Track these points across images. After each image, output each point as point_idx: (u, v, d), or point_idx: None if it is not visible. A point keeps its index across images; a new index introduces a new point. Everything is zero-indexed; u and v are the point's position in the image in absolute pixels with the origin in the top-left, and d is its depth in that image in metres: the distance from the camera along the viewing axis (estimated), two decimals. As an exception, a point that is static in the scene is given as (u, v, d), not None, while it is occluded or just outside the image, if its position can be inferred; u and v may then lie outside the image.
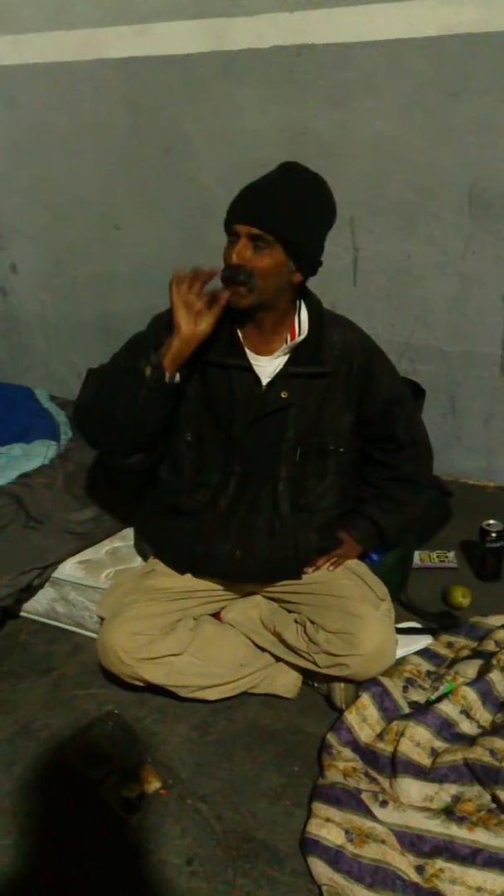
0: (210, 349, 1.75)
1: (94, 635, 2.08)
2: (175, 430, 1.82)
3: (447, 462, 2.81)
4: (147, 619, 1.86)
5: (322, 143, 2.53)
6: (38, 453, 2.58)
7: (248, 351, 1.77)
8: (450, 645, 2.06)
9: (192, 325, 1.63)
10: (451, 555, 2.43)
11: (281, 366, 1.77)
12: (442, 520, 2.57)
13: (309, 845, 1.55)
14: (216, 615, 2.04)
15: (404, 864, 1.49)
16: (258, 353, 1.78)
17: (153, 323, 1.84)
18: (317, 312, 1.79)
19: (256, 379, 1.77)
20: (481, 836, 1.51)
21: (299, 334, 1.76)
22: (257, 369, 1.77)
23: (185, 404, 1.80)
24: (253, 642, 1.98)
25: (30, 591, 2.20)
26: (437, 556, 2.43)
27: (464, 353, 2.63)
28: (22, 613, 2.30)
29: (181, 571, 1.94)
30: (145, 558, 2.18)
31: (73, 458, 2.58)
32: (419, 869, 1.49)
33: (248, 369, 1.76)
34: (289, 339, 1.76)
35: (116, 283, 3.12)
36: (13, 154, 3.08)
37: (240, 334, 1.76)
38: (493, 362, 2.61)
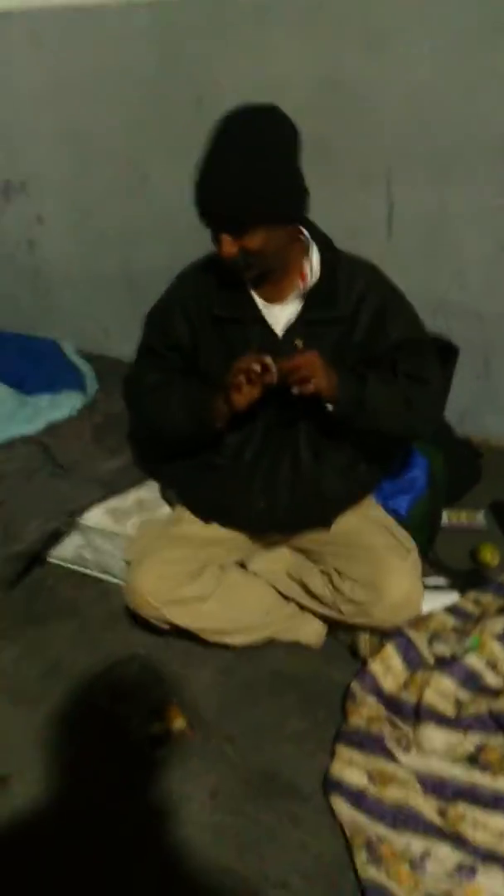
0: (224, 305, 1.74)
1: (120, 582, 2.10)
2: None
3: (479, 424, 2.78)
4: (174, 563, 1.87)
5: (358, 90, 2.46)
6: (66, 404, 2.60)
7: (260, 301, 1.74)
8: (477, 602, 2.05)
9: (243, 403, 1.67)
10: (480, 515, 2.42)
11: (295, 313, 1.74)
12: (472, 481, 2.55)
13: (332, 786, 1.57)
14: (241, 565, 2.05)
15: (426, 806, 1.50)
16: (271, 301, 1.74)
17: (171, 294, 1.85)
18: (329, 254, 1.73)
19: (271, 329, 1.75)
20: (505, 784, 1.52)
21: (311, 278, 1.72)
22: (271, 319, 1.74)
23: (209, 365, 1.80)
24: (278, 591, 1.99)
25: (57, 536, 2.22)
26: (466, 517, 2.42)
27: (500, 314, 2.59)
28: (50, 560, 2.32)
29: (207, 521, 1.95)
30: (172, 507, 2.19)
31: (101, 410, 2.59)
32: (441, 812, 1.50)
33: (262, 320, 1.74)
34: (300, 284, 1.73)
35: (142, 237, 3.09)
36: (38, 100, 3.02)
37: (250, 286, 1.73)
38: (530, 323, 2.57)
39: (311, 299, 1.72)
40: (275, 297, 1.74)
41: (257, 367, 1.59)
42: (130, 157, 2.97)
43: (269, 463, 1.83)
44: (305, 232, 1.72)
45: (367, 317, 1.75)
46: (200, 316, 1.79)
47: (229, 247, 1.58)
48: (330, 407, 1.70)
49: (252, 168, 1.51)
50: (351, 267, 1.76)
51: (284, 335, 1.74)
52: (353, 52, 2.43)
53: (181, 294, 1.82)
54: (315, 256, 1.72)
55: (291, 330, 1.73)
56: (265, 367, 1.59)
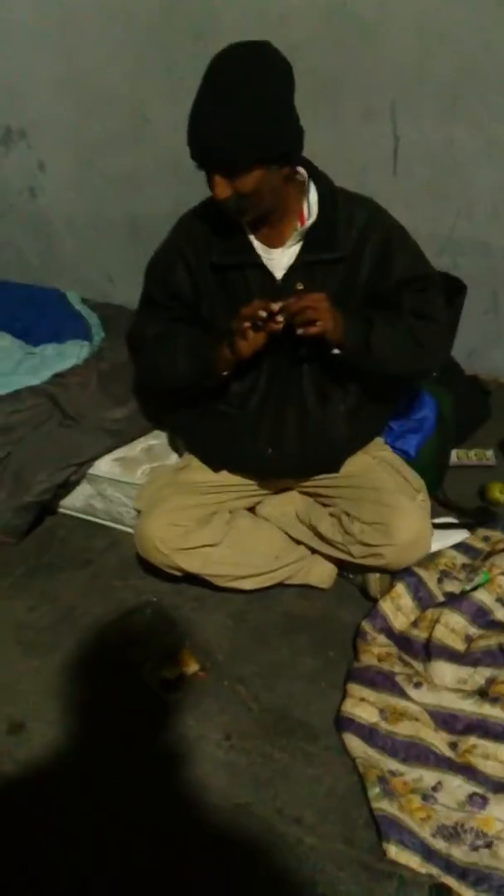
0: (222, 252, 1.69)
1: (130, 530, 2.11)
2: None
3: (487, 361, 2.75)
4: (183, 510, 1.87)
5: (362, 20, 2.37)
6: (72, 353, 2.58)
7: (259, 245, 1.70)
8: (486, 539, 2.05)
9: (248, 351, 1.65)
10: (490, 453, 2.40)
11: (295, 256, 1.69)
12: (481, 419, 2.53)
13: (344, 723, 1.59)
14: (251, 510, 2.05)
15: (438, 740, 1.52)
16: (270, 245, 1.70)
17: (170, 242, 1.81)
18: (328, 192, 1.67)
19: (271, 274, 1.70)
20: (515, 716, 1.53)
21: (308, 218, 1.67)
22: (270, 263, 1.70)
23: (211, 313, 1.77)
24: (288, 535, 1.99)
25: (67, 486, 2.23)
26: (475, 455, 2.40)
27: (507, 247, 2.53)
28: (60, 510, 2.33)
29: (215, 469, 1.94)
30: (180, 454, 2.18)
31: (107, 358, 2.57)
32: (452, 745, 1.52)
33: (262, 265, 1.69)
34: (299, 225, 1.68)
35: (145, 180, 3.03)
36: (38, 43, 2.95)
37: (249, 230, 1.69)
38: (539, 256, 2.51)
39: (311, 240, 1.67)
40: (274, 241, 1.70)
41: (263, 314, 1.56)
42: (132, 100, 2.89)
43: (275, 410, 1.81)
44: (302, 171, 1.66)
45: (370, 254, 1.70)
46: (200, 263, 1.75)
47: (223, 189, 1.52)
48: (336, 350, 1.67)
49: (244, 108, 1.44)
50: (351, 204, 1.70)
51: (284, 279, 1.69)
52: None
53: (180, 241, 1.78)
54: (313, 196, 1.67)
55: (291, 273, 1.69)
56: (271, 314, 1.56)
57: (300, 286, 1.67)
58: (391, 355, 1.70)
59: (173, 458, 2.23)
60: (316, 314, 1.57)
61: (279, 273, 1.70)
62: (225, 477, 1.95)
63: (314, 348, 1.69)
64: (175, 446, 2.26)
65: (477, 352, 2.72)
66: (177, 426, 2.13)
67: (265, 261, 1.69)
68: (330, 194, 1.67)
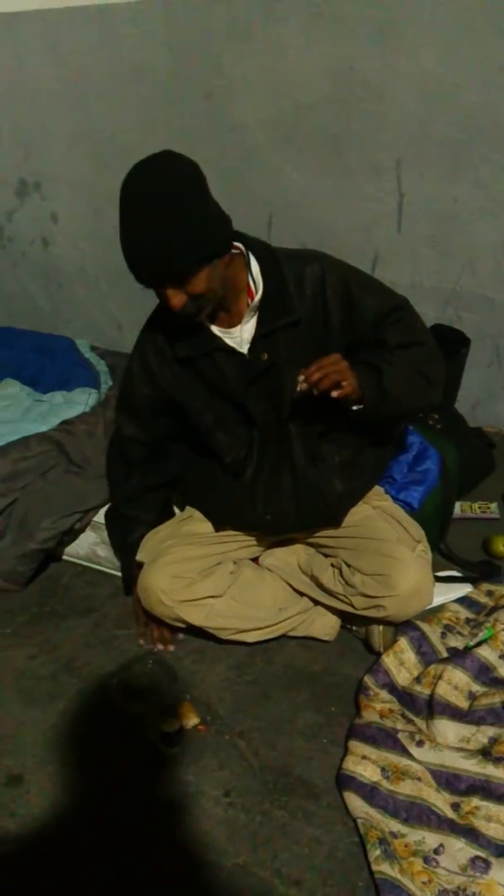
0: (185, 346, 1.73)
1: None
2: (197, 424, 1.83)
3: (491, 413, 2.76)
4: (186, 562, 1.88)
5: (368, 83, 2.45)
6: (80, 401, 2.61)
7: (218, 330, 1.72)
8: (490, 593, 2.04)
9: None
10: (494, 506, 2.40)
11: (254, 328, 1.71)
12: (485, 471, 2.53)
13: (345, 781, 1.57)
14: (254, 560, 2.05)
15: (440, 800, 1.50)
16: (230, 326, 1.72)
17: (130, 369, 1.89)
18: (267, 260, 1.69)
19: (236, 351, 1.73)
20: (518, 777, 1.51)
21: (256, 291, 1.68)
22: (233, 342, 1.72)
23: (191, 402, 1.80)
24: (291, 586, 1.99)
25: (72, 534, 2.24)
26: (479, 507, 2.40)
27: (511, 301, 2.57)
28: (64, 557, 2.34)
29: (217, 529, 1.96)
30: (182, 506, 2.19)
31: (114, 407, 2.59)
32: (455, 806, 1.50)
33: (226, 347, 1.72)
34: (249, 301, 1.69)
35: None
36: (54, 101, 3.06)
37: (207, 321, 1.71)
38: (541, 310, 2.54)
39: (265, 310, 1.69)
40: (233, 321, 1.72)
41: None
42: (144, 154, 2.96)
43: (269, 477, 1.83)
44: (239, 245, 1.67)
45: (334, 305, 1.70)
46: (164, 365, 1.79)
47: (178, 298, 1.56)
48: (356, 406, 1.66)
49: (169, 224, 1.47)
50: (297, 264, 1.70)
51: (250, 351, 1.72)
52: (362, 44, 2.41)
53: (145, 348, 1.82)
54: (255, 268, 1.68)
55: (255, 345, 1.71)
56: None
57: (265, 356, 1.70)
58: (404, 392, 1.68)
59: (177, 508, 2.24)
60: (340, 376, 1.56)
61: (244, 347, 1.72)
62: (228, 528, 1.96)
63: (303, 411, 1.71)
64: (178, 500, 2.27)
65: (481, 404, 2.74)
66: (178, 485, 2.13)
67: (228, 342, 1.72)
68: (271, 261, 1.69)
